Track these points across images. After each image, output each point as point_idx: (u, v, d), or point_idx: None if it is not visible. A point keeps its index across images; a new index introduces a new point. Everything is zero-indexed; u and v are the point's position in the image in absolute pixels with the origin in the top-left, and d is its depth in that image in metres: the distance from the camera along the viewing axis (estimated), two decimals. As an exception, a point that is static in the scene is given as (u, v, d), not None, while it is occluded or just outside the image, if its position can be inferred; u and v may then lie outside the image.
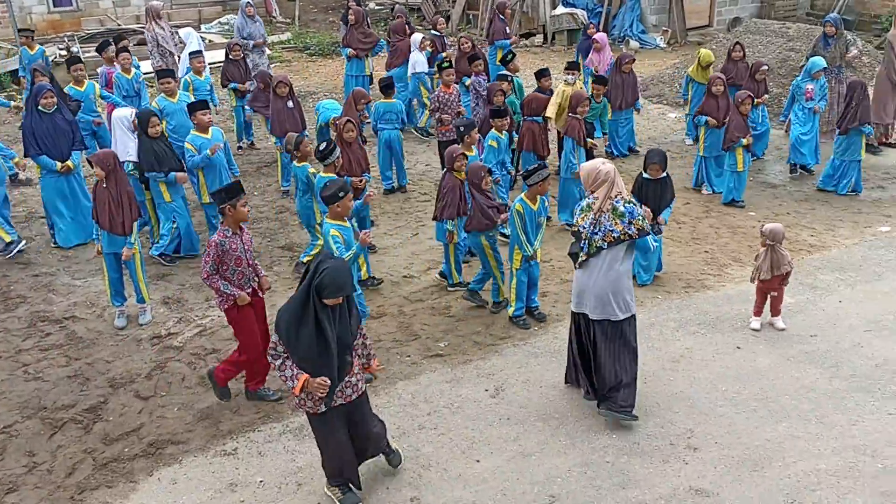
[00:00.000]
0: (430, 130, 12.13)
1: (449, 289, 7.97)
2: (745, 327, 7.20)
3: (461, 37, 12.35)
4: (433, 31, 13.49)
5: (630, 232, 5.64)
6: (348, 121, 8.43)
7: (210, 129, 8.56)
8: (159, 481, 5.46)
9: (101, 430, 5.99)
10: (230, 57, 11.67)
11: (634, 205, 5.73)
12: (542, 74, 10.23)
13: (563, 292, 7.95)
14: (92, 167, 7.19)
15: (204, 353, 6.99)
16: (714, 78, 10.24)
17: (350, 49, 12.80)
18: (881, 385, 6.32)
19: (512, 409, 6.16)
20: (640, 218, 5.70)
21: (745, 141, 9.57)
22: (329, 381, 4.74)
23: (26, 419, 6.11)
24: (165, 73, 9.74)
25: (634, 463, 5.52)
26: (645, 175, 7.62)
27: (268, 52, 14.14)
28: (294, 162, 8.06)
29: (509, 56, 10.85)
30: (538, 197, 6.99)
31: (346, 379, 4.94)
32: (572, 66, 10.40)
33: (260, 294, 6.22)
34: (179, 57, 12.68)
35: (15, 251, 8.78)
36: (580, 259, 5.80)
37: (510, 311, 7.37)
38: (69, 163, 8.84)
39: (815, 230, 9.25)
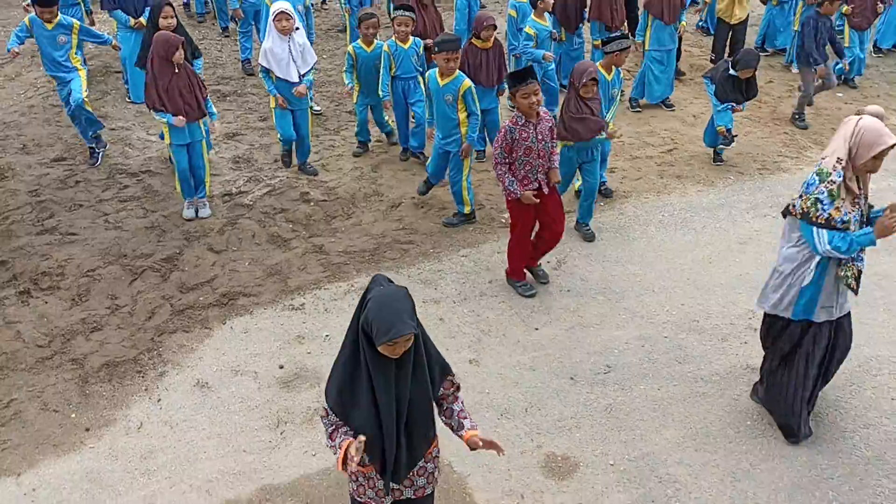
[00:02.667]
0: None
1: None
2: (820, 212, 6.99)
3: None
4: None
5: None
6: None
7: None
8: (232, 329, 5.76)
9: (178, 279, 6.29)
10: None
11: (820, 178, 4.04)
12: None
13: (631, 169, 7.80)
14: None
15: (273, 211, 7.16)
16: None
17: None
18: (958, 278, 6.13)
19: (573, 281, 6.21)
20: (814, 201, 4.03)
21: None
22: (363, 441, 3.01)
23: (108, 265, 6.44)
24: None
25: (692, 339, 5.56)
26: (733, 72, 7.38)
27: None
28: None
29: None
30: (613, 67, 6.74)
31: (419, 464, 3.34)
32: None
33: (545, 190, 5.73)
34: None
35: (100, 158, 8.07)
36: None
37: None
38: (142, 19, 8.83)
39: (906, 115, 8.77)
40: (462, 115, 6.54)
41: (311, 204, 7.29)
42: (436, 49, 6.38)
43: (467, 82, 6.48)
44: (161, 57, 6.43)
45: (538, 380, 5.21)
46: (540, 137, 5.56)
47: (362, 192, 7.47)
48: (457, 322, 5.78)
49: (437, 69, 6.49)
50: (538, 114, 5.52)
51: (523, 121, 5.50)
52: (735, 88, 7.39)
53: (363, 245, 6.69)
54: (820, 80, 8.32)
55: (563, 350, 5.48)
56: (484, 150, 7.94)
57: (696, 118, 8.77)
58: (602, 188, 7.36)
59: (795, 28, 9.56)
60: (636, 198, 7.31)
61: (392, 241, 6.75)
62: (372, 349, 2.96)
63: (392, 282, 3.04)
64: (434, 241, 6.74)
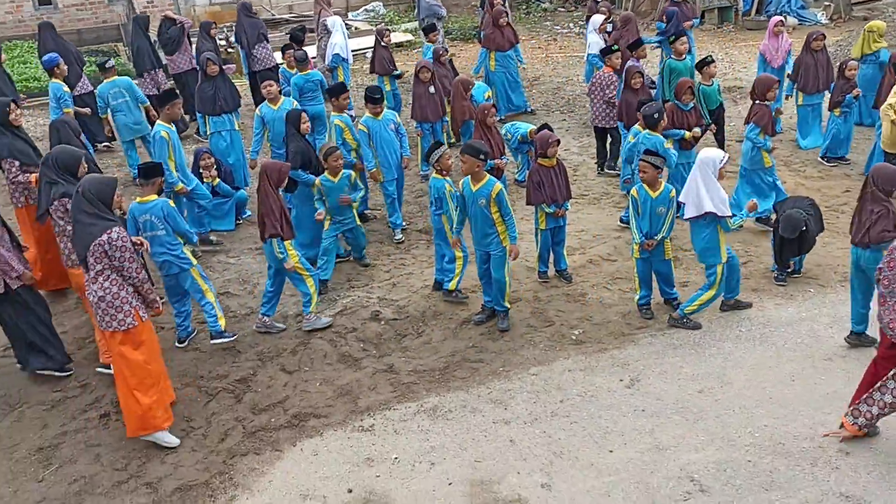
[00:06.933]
0: None
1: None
2: (910, 326, 6.65)
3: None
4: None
5: None
6: (493, 105, 8.60)
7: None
8: (302, 451, 5.75)
9: (251, 401, 6.37)
10: (382, 44, 11.98)
11: None
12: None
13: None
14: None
15: (345, 331, 7.26)
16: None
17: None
18: None
19: (648, 400, 6.02)
20: None
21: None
22: None
23: (185, 386, 6.59)
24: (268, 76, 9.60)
25: (779, 464, 5.25)
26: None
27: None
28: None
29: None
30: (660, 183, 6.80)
31: None
32: None
33: None
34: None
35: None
36: None
37: (636, 298, 7.19)
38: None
39: None
40: (496, 217, 6.74)
41: (382, 323, 7.37)
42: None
43: (498, 185, 6.68)
44: None
45: (614, 507, 4.99)
46: None
47: (432, 311, 7.52)
48: (528, 444, 5.64)
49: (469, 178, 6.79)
50: None
51: None
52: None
53: (433, 364, 6.69)
54: None
55: (639, 475, 5.26)
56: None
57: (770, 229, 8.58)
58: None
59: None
60: (711, 312, 7.12)
61: (462, 359, 6.72)
62: None
63: None
64: (504, 359, 6.68)
